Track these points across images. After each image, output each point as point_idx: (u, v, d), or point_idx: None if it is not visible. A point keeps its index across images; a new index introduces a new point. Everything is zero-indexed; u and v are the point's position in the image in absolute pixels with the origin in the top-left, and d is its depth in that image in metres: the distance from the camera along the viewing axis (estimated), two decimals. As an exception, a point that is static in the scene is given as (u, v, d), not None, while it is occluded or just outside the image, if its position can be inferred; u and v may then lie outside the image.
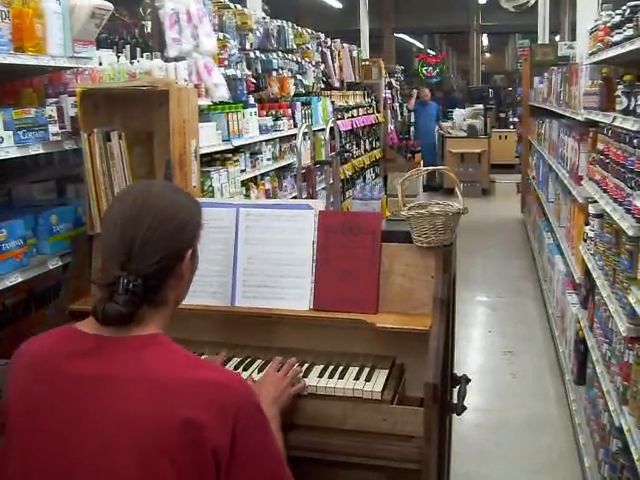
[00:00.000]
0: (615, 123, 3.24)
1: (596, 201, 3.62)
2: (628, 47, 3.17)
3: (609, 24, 3.83)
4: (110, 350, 1.47)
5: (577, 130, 4.89)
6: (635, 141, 2.83)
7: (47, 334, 1.58)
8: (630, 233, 2.74)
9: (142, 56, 4.28)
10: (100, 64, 3.70)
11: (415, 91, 14.06)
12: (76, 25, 3.00)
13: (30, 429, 1.46)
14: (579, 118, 4.79)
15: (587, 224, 3.95)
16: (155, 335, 1.52)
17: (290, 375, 2.08)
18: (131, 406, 1.41)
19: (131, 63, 4.03)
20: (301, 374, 2.15)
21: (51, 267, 2.91)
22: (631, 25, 3.17)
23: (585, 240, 4.01)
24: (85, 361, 1.47)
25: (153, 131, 2.90)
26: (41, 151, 2.84)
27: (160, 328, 1.55)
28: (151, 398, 1.41)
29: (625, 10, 3.33)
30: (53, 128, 2.90)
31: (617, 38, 3.49)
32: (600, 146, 3.68)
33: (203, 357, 2.25)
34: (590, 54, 4.61)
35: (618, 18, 3.54)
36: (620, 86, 3.31)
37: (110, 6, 3.17)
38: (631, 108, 3.03)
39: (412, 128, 14.23)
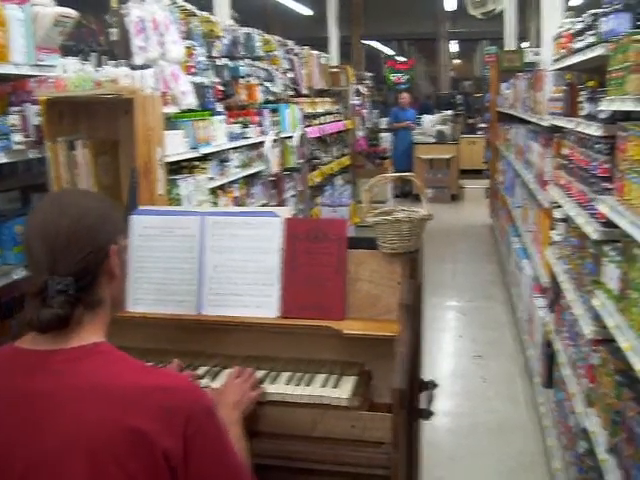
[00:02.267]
0: (578, 129, 3.28)
1: (561, 206, 3.66)
2: (590, 54, 3.21)
3: (572, 31, 3.88)
4: (53, 364, 1.46)
5: (542, 135, 4.95)
6: (597, 146, 2.87)
7: None
8: (594, 237, 2.78)
9: (108, 64, 4.25)
10: (65, 72, 3.67)
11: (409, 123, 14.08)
12: (39, 33, 2.98)
13: None
14: (544, 124, 4.85)
15: (553, 229, 4.00)
16: (98, 344, 1.51)
17: (250, 381, 2.08)
18: (78, 417, 1.40)
19: (97, 71, 4.00)
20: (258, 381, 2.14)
21: (16, 277, 2.88)
22: (592, 32, 3.22)
23: (551, 244, 4.06)
24: (28, 377, 1.45)
25: (118, 139, 2.89)
26: (4, 160, 2.82)
27: (100, 331, 1.55)
28: (96, 408, 1.40)
29: (586, 18, 3.39)
30: (16, 137, 2.88)
31: (579, 45, 3.54)
32: (565, 151, 3.73)
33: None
34: (554, 61, 4.68)
35: (580, 26, 3.59)
36: (583, 92, 3.36)
37: (74, 14, 3.15)
38: (593, 114, 3.07)
39: (389, 134, 14.28)
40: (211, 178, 5.08)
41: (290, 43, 8.55)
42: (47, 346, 1.47)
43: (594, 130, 2.94)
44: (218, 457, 1.51)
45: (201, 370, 2.26)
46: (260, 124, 6.53)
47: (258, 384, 2.11)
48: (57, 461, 1.39)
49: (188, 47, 4.96)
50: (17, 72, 2.90)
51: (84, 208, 1.56)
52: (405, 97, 14.35)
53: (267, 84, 7.05)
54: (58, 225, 1.50)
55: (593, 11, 3.23)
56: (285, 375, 2.20)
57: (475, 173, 14.80)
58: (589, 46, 3.27)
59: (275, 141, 6.45)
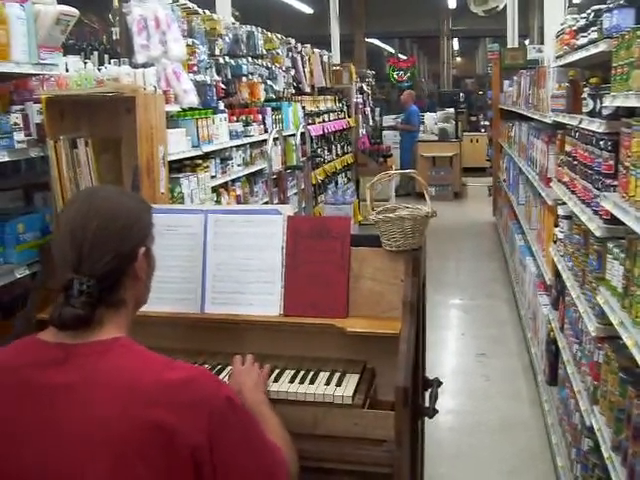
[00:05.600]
0: (582, 125, 3.27)
1: (565, 203, 3.65)
2: (593, 50, 3.20)
3: (574, 28, 3.87)
4: (74, 357, 1.47)
5: (546, 132, 4.94)
6: (601, 143, 2.85)
7: (9, 346, 1.57)
8: (598, 234, 2.77)
9: (110, 62, 4.25)
10: (67, 70, 3.66)
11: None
12: (41, 31, 2.97)
13: None
14: (547, 121, 4.83)
15: (557, 226, 3.99)
16: (118, 338, 1.52)
17: (255, 363, 2.12)
18: (100, 412, 1.41)
19: (99, 69, 4.00)
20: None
21: (18, 276, 2.87)
22: (595, 28, 3.21)
23: (555, 242, 4.04)
24: (50, 370, 1.46)
25: (121, 138, 2.88)
26: (6, 159, 2.81)
27: (121, 330, 1.56)
28: (119, 403, 1.41)
29: (589, 14, 3.37)
30: (18, 135, 2.86)
31: (582, 41, 3.53)
32: (568, 148, 3.71)
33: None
34: (557, 57, 4.66)
35: (583, 22, 3.58)
36: (586, 89, 3.34)
37: (75, 12, 3.14)
38: (597, 110, 3.06)
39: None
40: (213, 176, 5.08)
41: (292, 41, 8.53)
42: (69, 340, 1.49)
43: (597, 127, 2.92)
44: (245, 445, 1.51)
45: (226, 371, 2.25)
46: (262, 122, 6.52)
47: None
48: (78, 455, 1.40)
49: (190, 45, 4.95)
50: (19, 71, 2.88)
51: (116, 210, 1.57)
52: (404, 95, 14.25)
53: (269, 82, 7.04)
54: (87, 226, 1.52)
55: (596, 7, 3.21)
56: (288, 373, 2.20)
57: (478, 171, 14.77)
58: (592, 42, 3.25)
59: (277, 139, 6.44)
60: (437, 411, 2.30)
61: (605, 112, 2.89)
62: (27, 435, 1.43)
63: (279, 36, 7.91)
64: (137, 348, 1.53)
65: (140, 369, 1.48)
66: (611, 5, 2.85)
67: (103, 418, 1.40)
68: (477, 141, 16.01)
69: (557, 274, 3.98)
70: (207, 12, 5.71)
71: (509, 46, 11.78)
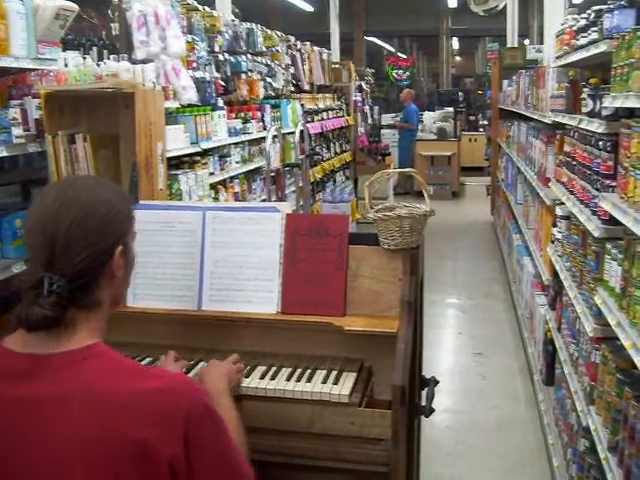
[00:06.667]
0: (581, 125, 3.26)
1: (563, 203, 3.65)
2: (593, 50, 3.20)
3: (575, 28, 3.87)
4: (47, 370, 1.39)
5: (545, 132, 4.94)
6: (600, 143, 2.85)
7: None
8: (596, 234, 2.77)
9: (109, 58, 4.23)
10: (66, 66, 3.65)
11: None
12: (40, 26, 2.97)
13: None
14: (546, 121, 4.83)
15: (555, 226, 3.99)
16: (92, 346, 1.44)
17: (231, 360, 2.10)
18: (75, 429, 1.35)
19: (98, 65, 3.98)
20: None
21: (15, 271, 2.87)
22: (596, 29, 3.20)
23: (553, 242, 4.04)
24: (20, 384, 1.39)
25: (119, 133, 2.88)
26: (4, 154, 2.81)
27: (96, 334, 1.48)
28: (94, 417, 1.35)
29: (590, 14, 3.37)
30: (17, 130, 2.86)
31: (582, 42, 3.53)
32: (567, 148, 3.71)
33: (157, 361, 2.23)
34: (557, 57, 4.66)
35: (583, 22, 3.58)
36: (586, 89, 3.34)
37: (75, 7, 3.14)
38: (596, 111, 3.05)
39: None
40: (211, 173, 5.07)
41: (292, 38, 8.53)
42: (39, 349, 1.41)
43: (597, 127, 2.92)
44: (219, 452, 1.47)
45: (200, 366, 2.25)
46: (261, 119, 6.51)
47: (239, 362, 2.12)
48: (53, 471, 1.34)
49: (189, 42, 4.94)
50: (17, 65, 2.88)
51: (90, 206, 1.45)
52: (404, 93, 14.24)
53: (268, 79, 7.03)
54: (59, 222, 1.42)
55: (597, 7, 3.21)
56: (285, 371, 2.19)
57: (476, 170, 14.77)
58: (592, 42, 3.25)
59: (276, 137, 6.43)
60: (434, 410, 2.30)
61: (605, 113, 2.89)
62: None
63: (279, 33, 7.91)
64: (111, 356, 1.45)
65: (114, 380, 1.40)
66: (612, 6, 2.85)
67: (77, 435, 1.34)
68: (476, 140, 16.01)
69: (555, 274, 3.98)
70: (207, 9, 5.70)
71: (509, 46, 11.79)
